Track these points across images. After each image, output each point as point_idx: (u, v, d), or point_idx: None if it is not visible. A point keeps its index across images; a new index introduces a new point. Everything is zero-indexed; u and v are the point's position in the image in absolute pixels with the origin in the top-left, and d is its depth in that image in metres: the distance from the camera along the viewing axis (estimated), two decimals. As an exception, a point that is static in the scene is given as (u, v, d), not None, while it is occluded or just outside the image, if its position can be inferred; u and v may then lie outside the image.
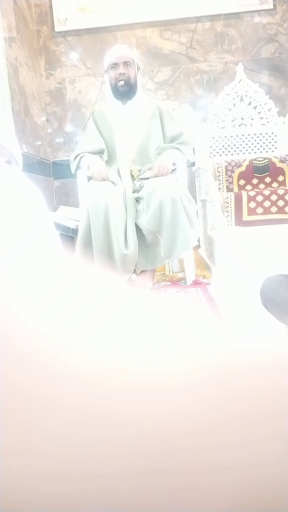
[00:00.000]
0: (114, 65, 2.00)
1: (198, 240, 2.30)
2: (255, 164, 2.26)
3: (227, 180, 2.28)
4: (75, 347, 0.11)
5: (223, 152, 2.63)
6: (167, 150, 2.01)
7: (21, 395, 0.10)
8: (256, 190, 2.16)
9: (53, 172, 3.18)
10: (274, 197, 2.05)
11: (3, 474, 0.10)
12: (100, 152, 2.05)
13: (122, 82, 1.99)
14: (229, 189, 2.26)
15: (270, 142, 2.62)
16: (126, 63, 2.00)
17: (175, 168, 2.02)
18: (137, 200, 1.87)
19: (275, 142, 2.61)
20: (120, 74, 1.99)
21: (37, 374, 0.11)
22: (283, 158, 2.26)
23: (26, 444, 0.10)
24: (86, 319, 0.12)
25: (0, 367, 0.11)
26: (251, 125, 2.62)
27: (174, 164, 2.00)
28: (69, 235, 1.89)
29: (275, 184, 2.25)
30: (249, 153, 2.61)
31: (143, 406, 0.11)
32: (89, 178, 1.99)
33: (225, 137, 2.63)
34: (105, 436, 0.10)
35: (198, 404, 0.11)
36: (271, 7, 3.01)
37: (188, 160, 2.10)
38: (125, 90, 2.02)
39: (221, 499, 0.10)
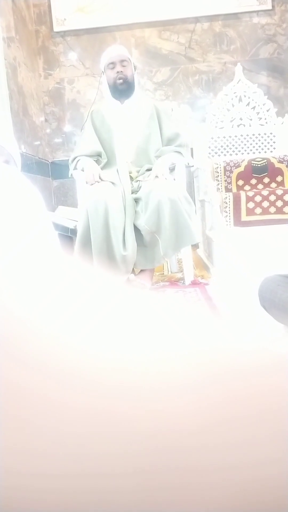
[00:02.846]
0: (112, 64, 2.03)
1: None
2: (254, 165, 2.26)
3: (225, 181, 2.28)
4: (75, 347, 0.11)
5: (222, 152, 2.64)
6: (166, 153, 2.01)
7: (21, 395, 0.10)
8: (254, 190, 2.16)
9: (51, 172, 3.17)
10: (272, 198, 2.05)
11: (3, 473, 0.10)
12: (97, 155, 2.06)
13: (121, 81, 2.02)
14: (228, 190, 2.27)
15: (268, 143, 2.62)
16: (122, 62, 2.02)
17: (174, 168, 2.02)
18: (136, 200, 1.87)
19: (274, 142, 2.62)
20: (118, 72, 2.01)
21: (37, 374, 0.11)
22: (282, 159, 2.26)
23: (26, 443, 0.10)
24: (86, 319, 0.12)
25: (0, 367, 0.11)
26: (250, 126, 2.62)
27: (172, 163, 2.00)
28: (68, 235, 1.89)
29: (273, 185, 2.25)
30: (248, 153, 2.61)
31: (143, 405, 0.11)
32: None
33: (224, 137, 2.63)
34: (104, 435, 0.10)
35: (198, 404, 0.11)
36: (270, 7, 3.02)
37: (188, 163, 2.11)
38: (123, 88, 2.04)
39: (221, 498, 0.10)
